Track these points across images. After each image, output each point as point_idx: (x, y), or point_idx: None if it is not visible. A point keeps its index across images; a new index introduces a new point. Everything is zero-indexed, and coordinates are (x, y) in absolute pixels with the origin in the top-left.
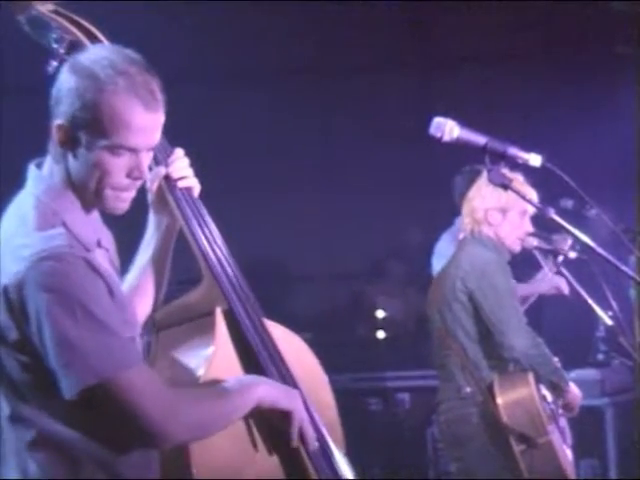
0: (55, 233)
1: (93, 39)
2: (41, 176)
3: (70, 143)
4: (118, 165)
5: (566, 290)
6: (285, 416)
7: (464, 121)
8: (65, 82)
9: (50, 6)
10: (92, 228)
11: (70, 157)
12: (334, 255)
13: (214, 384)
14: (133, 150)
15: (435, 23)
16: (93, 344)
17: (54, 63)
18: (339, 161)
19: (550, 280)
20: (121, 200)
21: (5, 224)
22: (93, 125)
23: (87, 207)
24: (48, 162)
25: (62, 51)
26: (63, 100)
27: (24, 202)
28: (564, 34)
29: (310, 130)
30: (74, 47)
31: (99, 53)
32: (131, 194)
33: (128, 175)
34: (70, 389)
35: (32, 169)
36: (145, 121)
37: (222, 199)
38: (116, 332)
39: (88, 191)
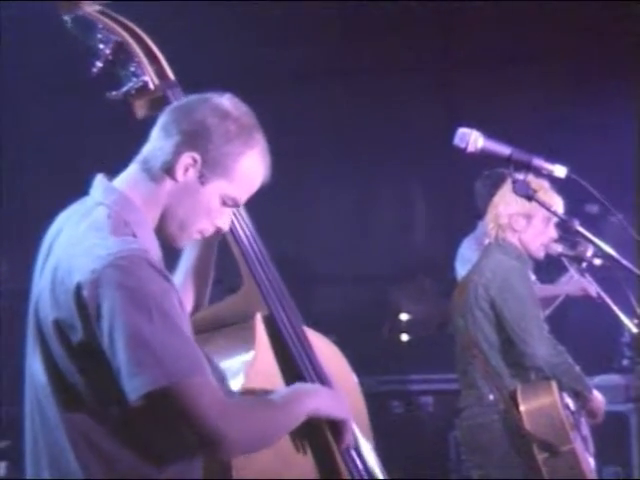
0: (131, 239)
1: (139, 40)
2: (112, 187)
3: (193, 176)
4: (219, 213)
5: (593, 292)
6: (337, 424)
7: (485, 121)
8: (217, 125)
9: (96, 7)
10: (156, 247)
11: (180, 186)
12: (358, 257)
13: (257, 386)
14: (237, 205)
15: (459, 24)
16: (167, 345)
17: (99, 64)
18: (365, 162)
19: (577, 282)
20: (191, 240)
21: (68, 229)
22: (226, 173)
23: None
24: (133, 176)
25: (107, 52)
26: (209, 138)
27: (94, 211)
28: (589, 35)
29: (335, 131)
30: (120, 48)
31: (242, 106)
32: None
33: (214, 224)
34: (138, 389)
35: (100, 179)
36: (258, 187)
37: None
38: (188, 337)
39: (177, 222)
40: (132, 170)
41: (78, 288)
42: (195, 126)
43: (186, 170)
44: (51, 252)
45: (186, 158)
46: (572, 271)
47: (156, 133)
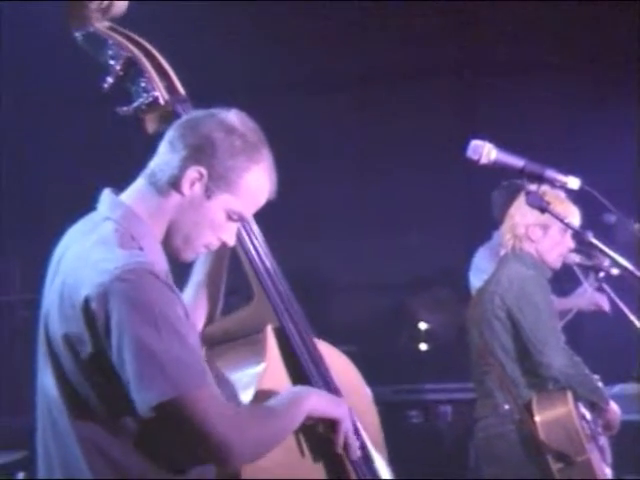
0: (138, 252)
1: (149, 56)
2: (119, 201)
3: (199, 190)
4: (225, 227)
5: (606, 307)
6: (332, 424)
7: (503, 128)
8: (222, 139)
9: (106, 23)
10: (163, 260)
11: (186, 200)
12: (376, 266)
13: (267, 399)
14: (243, 220)
15: (477, 30)
16: (174, 358)
17: (110, 80)
18: (384, 170)
19: (590, 296)
20: (196, 255)
21: (76, 244)
22: (231, 188)
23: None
24: (140, 190)
25: (118, 67)
26: (214, 153)
27: (101, 225)
28: (608, 42)
29: (351, 138)
30: (130, 64)
31: (249, 122)
32: None
33: (219, 239)
34: (147, 402)
35: (107, 194)
36: (264, 201)
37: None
38: (195, 349)
39: (182, 236)
40: (139, 184)
41: (86, 302)
42: (201, 140)
43: (192, 184)
44: (59, 267)
45: (192, 172)
46: (586, 284)
47: (163, 147)
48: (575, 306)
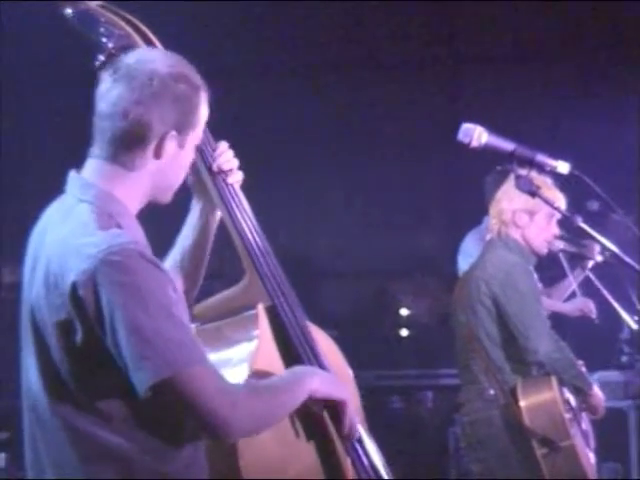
0: (119, 232)
1: (141, 34)
2: (87, 182)
3: (173, 147)
4: (192, 155)
5: (592, 314)
6: (334, 406)
7: (491, 117)
8: (167, 92)
9: (98, 1)
10: (141, 235)
11: (163, 162)
12: (359, 253)
13: (261, 376)
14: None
15: (464, 18)
16: (166, 337)
17: (102, 57)
18: (367, 158)
19: (577, 302)
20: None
21: (53, 229)
22: (194, 125)
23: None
24: (101, 169)
25: (110, 45)
26: (170, 110)
27: (75, 208)
28: (594, 31)
29: (340, 127)
30: (123, 41)
31: (172, 58)
32: None
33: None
34: (143, 382)
35: (74, 175)
36: None
37: (248, 194)
38: (186, 326)
39: (167, 188)
40: (103, 165)
41: (73, 289)
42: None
43: (171, 146)
44: (39, 254)
45: (169, 139)
46: (571, 277)
47: None
48: (561, 310)
